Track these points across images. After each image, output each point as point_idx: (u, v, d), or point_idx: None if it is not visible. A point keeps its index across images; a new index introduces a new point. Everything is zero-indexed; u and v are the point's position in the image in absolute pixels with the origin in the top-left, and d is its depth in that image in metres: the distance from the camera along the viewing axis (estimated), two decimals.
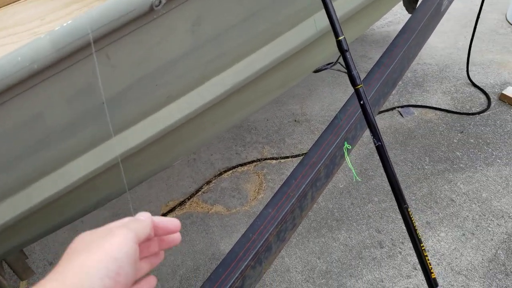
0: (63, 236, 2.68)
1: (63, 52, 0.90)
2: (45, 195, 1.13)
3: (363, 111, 1.11)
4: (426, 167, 3.10)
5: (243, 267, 1.37)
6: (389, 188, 2.87)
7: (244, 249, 1.41)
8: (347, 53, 1.13)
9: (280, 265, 2.54)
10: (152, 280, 0.66)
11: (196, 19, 1.15)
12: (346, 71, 1.13)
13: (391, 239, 2.67)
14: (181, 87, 1.22)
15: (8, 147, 0.99)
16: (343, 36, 1.20)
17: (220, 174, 3.04)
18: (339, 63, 0.99)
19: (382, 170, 3.02)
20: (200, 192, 2.94)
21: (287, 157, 3.19)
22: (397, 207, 2.77)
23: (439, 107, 3.58)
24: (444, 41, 4.45)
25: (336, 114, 1.74)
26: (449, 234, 2.68)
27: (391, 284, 2.45)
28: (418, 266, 2.51)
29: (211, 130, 1.51)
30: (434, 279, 1.23)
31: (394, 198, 2.81)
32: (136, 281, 0.62)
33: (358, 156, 3.19)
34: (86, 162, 1.14)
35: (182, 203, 2.85)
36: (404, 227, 2.62)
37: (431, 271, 1.21)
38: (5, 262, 1.73)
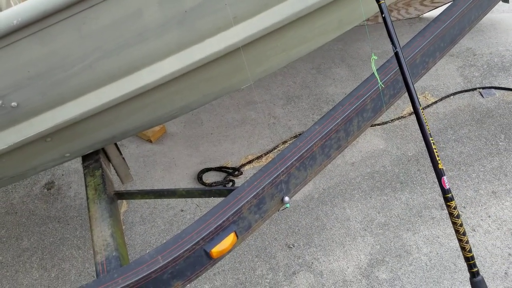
0: (159, 174, 3.19)
1: None
2: (137, 86, 1.53)
3: (385, 22, 1.35)
4: (500, 143, 3.12)
5: (288, 164, 1.67)
6: (459, 159, 2.99)
7: (291, 152, 1.71)
8: None
9: (341, 214, 2.78)
10: None
11: None
12: None
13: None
14: (245, 10, 1.56)
15: (114, 36, 1.40)
16: None
17: (296, 136, 3.35)
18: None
19: (453, 143, 3.13)
20: (276, 150, 3.28)
21: None
22: (464, 177, 2.88)
23: None
24: None
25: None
26: None
27: (446, 240, 2.57)
28: (477, 228, 2.60)
29: (272, 60, 1.83)
30: (442, 169, 1.42)
31: (462, 168, 2.93)
32: None
33: (431, 129, 3.28)
34: (171, 63, 1.54)
35: (259, 157, 3.21)
36: (469, 195, 2.72)
37: (439, 161, 1.40)
38: (112, 165, 2.22)
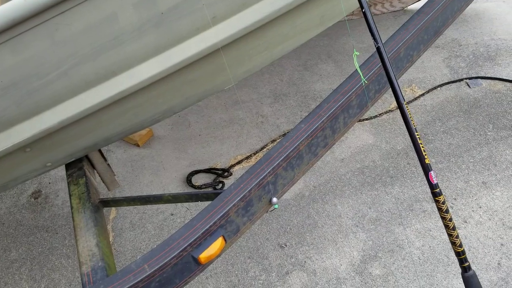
0: (148, 178, 3.15)
1: None
2: (116, 91, 1.49)
3: (365, 17, 1.33)
4: (488, 133, 3.12)
5: (275, 164, 1.64)
6: (448, 150, 2.98)
7: (277, 152, 1.68)
8: None
9: (333, 212, 2.76)
10: None
11: None
12: None
13: (444, 195, 2.75)
14: (224, 10, 1.53)
15: (88, 41, 1.37)
16: None
17: (284, 134, 3.32)
18: None
19: (441, 135, 3.12)
20: (265, 149, 3.25)
21: None
22: (453, 168, 2.88)
23: (511, 79, 3.53)
24: None
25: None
26: (505, 193, 2.70)
27: (438, 233, 2.56)
28: (468, 220, 2.59)
29: (255, 59, 1.80)
30: (428, 164, 1.41)
31: (451, 160, 2.93)
32: None
33: (420, 122, 3.28)
34: (149, 66, 1.50)
35: (248, 157, 3.18)
36: (459, 186, 2.72)
37: (425, 156, 1.38)
38: (97, 172, 2.18)
